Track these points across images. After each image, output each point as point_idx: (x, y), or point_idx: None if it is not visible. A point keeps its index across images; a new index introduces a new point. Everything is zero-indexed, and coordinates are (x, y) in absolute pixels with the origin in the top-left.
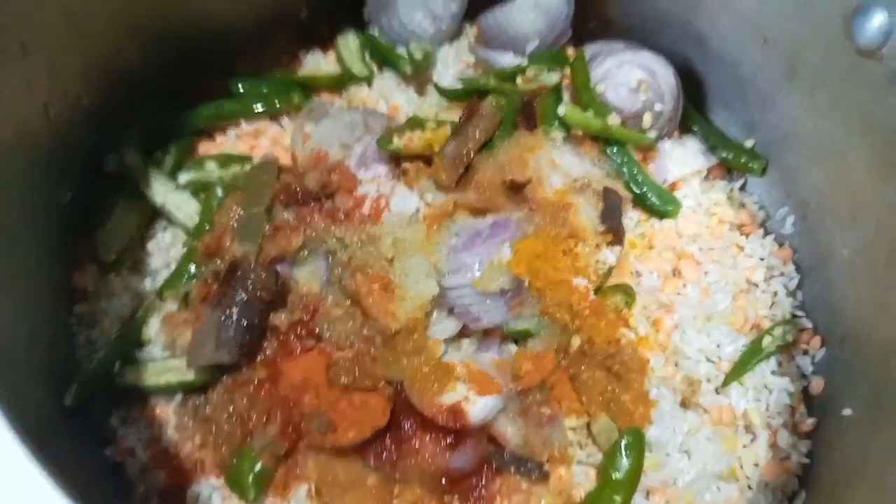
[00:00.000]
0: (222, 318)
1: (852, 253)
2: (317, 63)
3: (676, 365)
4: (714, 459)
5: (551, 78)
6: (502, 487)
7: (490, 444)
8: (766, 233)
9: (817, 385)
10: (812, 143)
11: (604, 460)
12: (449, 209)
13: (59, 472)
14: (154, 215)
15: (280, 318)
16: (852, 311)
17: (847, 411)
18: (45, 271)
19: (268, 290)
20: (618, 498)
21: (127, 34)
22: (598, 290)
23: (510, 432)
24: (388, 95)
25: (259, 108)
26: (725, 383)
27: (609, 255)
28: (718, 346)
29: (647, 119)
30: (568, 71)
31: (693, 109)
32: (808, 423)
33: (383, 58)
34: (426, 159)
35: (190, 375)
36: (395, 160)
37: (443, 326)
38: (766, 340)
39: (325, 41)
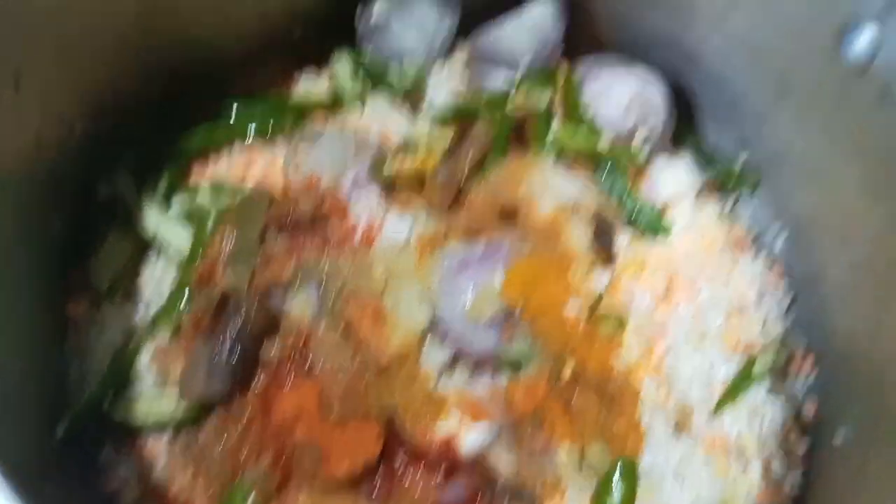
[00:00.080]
0: (214, 351)
1: (844, 272)
2: (309, 85)
3: (669, 390)
4: (708, 486)
5: (542, 98)
6: None
7: (483, 474)
8: (758, 251)
9: (810, 408)
10: (803, 162)
11: (597, 489)
12: (441, 235)
13: None
14: (147, 244)
15: (271, 349)
16: (845, 332)
17: (841, 435)
18: (36, 302)
19: (259, 321)
20: None
21: (121, 62)
22: (590, 314)
23: (503, 462)
24: (381, 119)
25: (252, 131)
26: (718, 408)
27: (601, 279)
28: (711, 368)
29: (639, 138)
30: (559, 90)
31: (684, 127)
32: (802, 447)
33: (376, 77)
34: (418, 183)
35: (181, 410)
36: (388, 185)
37: (435, 355)
38: (759, 362)
39: (318, 63)
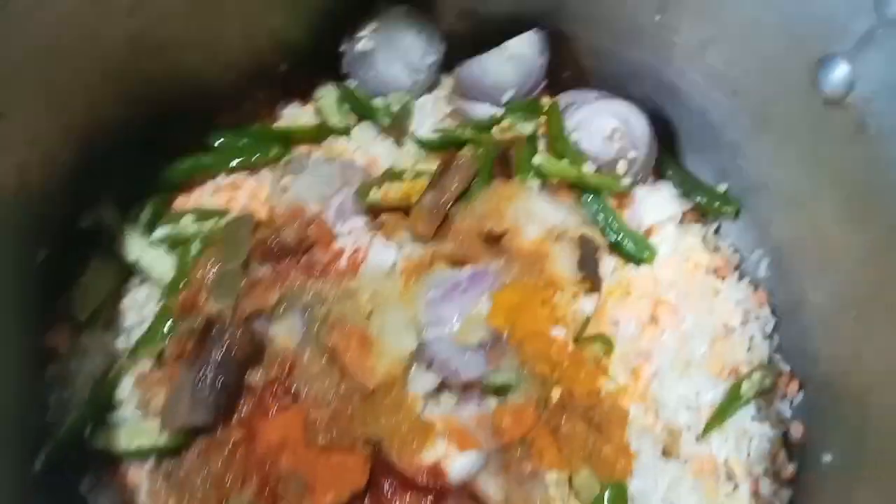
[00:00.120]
0: (197, 378)
1: (825, 298)
2: (295, 115)
3: (656, 414)
4: None
5: (526, 128)
6: None
7: (471, 502)
8: (742, 277)
9: (797, 430)
10: (782, 191)
11: None
12: (427, 261)
13: None
14: (129, 272)
15: (256, 376)
16: (827, 356)
17: (827, 458)
18: (16, 331)
19: (244, 348)
20: None
21: (107, 97)
22: (576, 340)
23: (492, 489)
24: (366, 147)
25: (236, 161)
26: (706, 431)
27: (587, 304)
28: (698, 394)
29: (622, 166)
30: (543, 120)
31: (667, 156)
32: (790, 470)
33: (361, 110)
34: (404, 211)
35: (163, 439)
36: (373, 212)
37: (422, 381)
38: (745, 386)
39: (304, 94)
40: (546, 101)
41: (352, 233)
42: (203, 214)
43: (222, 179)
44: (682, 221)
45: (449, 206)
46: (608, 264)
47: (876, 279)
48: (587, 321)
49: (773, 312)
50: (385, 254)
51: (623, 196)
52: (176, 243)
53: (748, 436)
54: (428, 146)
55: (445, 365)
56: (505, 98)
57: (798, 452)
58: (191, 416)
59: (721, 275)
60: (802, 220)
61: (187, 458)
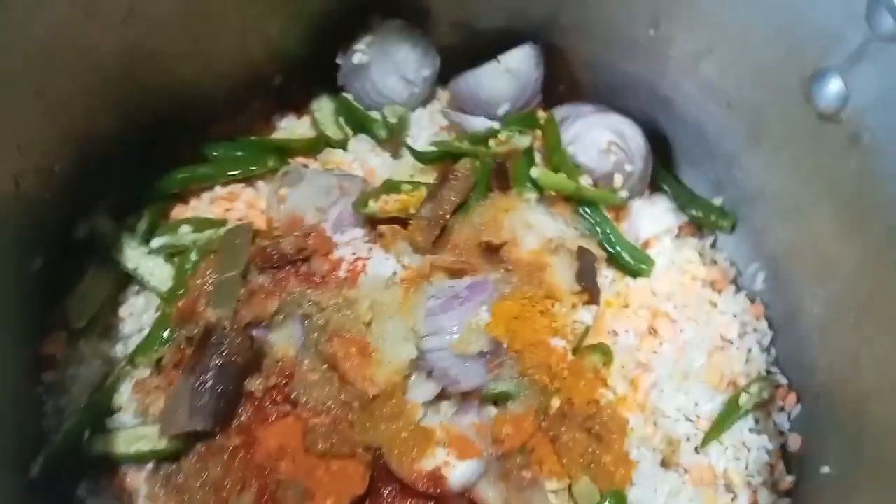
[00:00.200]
0: (196, 385)
1: (822, 309)
2: (291, 128)
3: (655, 424)
4: None
5: (523, 140)
6: None
7: None
8: (738, 289)
9: (795, 442)
10: (778, 203)
11: None
12: (426, 272)
13: None
14: (127, 280)
15: (255, 384)
16: (824, 367)
17: (825, 469)
18: (13, 339)
19: (243, 356)
20: None
21: (102, 108)
22: (575, 351)
23: (491, 497)
24: (363, 159)
25: (233, 172)
26: (705, 442)
27: (585, 315)
28: (696, 405)
29: (618, 179)
30: (539, 133)
31: (663, 168)
32: (788, 480)
33: (357, 122)
34: (402, 222)
35: (162, 444)
36: (371, 223)
37: (421, 390)
38: (743, 398)
39: (300, 106)
40: (542, 114)
41: (350, 243)
42: (200, 224)
43: (219, 190)
44: (678, 235)
45: (447, 217)
46: (606, 276)
47: (871, 289)
48: (586, 331)
49: (770, 325)
50: (384, 264)
51: (619, 209)
52: (174, 252)
53: (746, 447)
54: (425, 158)
55: (445, 374)
56: (500, 111)
57: (796, 464)
58: (190, 422)
59: (718, 288)
60: (798, 231)
61: (186, 463)
